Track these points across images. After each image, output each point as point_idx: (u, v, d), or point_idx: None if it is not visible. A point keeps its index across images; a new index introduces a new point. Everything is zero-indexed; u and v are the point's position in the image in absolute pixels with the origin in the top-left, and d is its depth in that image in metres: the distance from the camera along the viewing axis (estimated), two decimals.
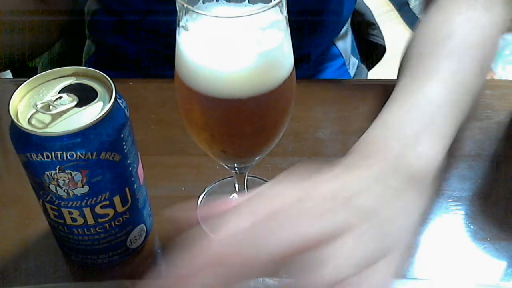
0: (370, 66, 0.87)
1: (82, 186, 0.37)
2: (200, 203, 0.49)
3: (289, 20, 0.37)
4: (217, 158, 0.43)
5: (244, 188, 0.47)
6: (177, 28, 0.36)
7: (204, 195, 0.49)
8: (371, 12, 0.86)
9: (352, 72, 0.81)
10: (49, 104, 0.36)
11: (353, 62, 0.82)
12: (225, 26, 0.35)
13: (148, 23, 0.70)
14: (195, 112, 0.40)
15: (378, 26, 0.86)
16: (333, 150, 0.53)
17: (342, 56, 0.77)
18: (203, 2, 0.37)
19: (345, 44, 0.78)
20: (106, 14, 0.73)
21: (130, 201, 0.40)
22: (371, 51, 0.86)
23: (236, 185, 0.47)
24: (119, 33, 0.73)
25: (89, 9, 0.76)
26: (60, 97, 0.37)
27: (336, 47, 0.76)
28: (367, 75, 0.85)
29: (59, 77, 0.39)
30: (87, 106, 0.36)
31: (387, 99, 0.60)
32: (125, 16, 0.71)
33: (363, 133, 0.52)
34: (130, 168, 0.39)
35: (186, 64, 0.36)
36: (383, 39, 0.85)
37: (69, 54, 0.85)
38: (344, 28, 0.77)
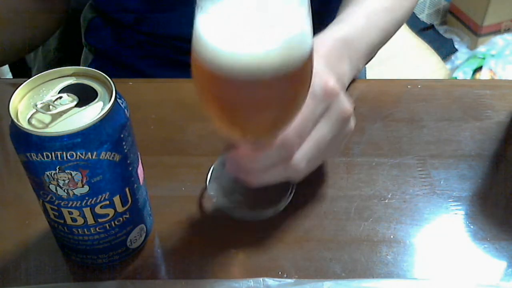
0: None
1: (82, 186, 0.37)
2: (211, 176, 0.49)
3: None
4: (236, 137, 0.43)
5: None
6: (196, 12, 0.36)
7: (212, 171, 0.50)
8: None
9: None
10: (49, 104, 0.36)
11: None
12: (245, 7, 0.35)
13: (145, 26, 0.70)
14: (217, 95, 0.39)
15: None
16: None
17: None
18: None
19: None
20: (102, 21, 0.73)
21: (130, 201, 0.40)
22: None
23: None
24: (117, 40, 0.73)
25: (85, 18, 0.76)
26: (60, 97, 0.37)
27: None
28: (365, 71, 0.85)
29: (59, 77, 0.39)
30: (87, 106, 0.36)
31: (387, 99, 0.60)
32: (122, 21, 0.71)
33: (363, 133, 0.53)
34: (130, 168, 0.39)
35: (206, 47, 0.36)
36: None
37: (65, 62, 0.85)
38: None
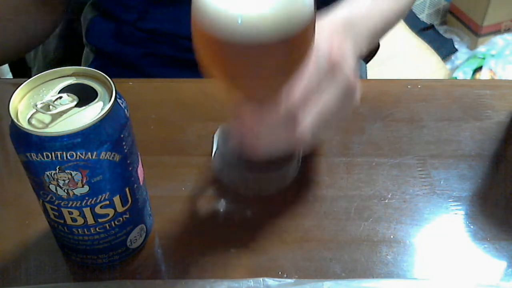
0: (366, 60, 0.88)
1: (82, 186, 0.37)
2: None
3: None
4: (238, 100, 0.43)
5: None
6: None
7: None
8: None
9: None
10: (49, 104, 0.36)
11: None
12: None
13: (147, 23, 0.70)
14: (218, 59, 0.39)
15: None
16: (333, 150, 0.53)
17: None
18: None
19: None
20: (103, 20, 0.73)
21: (130, 201, 0.40)
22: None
23: None
24: (118, 38, 0.72)
25: (85, 18, 0.76)
26: (60, 97, 0.37)
27: None
28: (366, 69, 0.85)
29: (59, 77, 0.39)
30: (87, 106, 0.36)
31: (387, 99, 0.60)
32: (124, 19, 0.71)
33: (363, 133, 0.53)
34: (130, 168, 0.39)
35: (205, 10, 0.36)
36: None
37: (65, 62, 0.85)
38: None
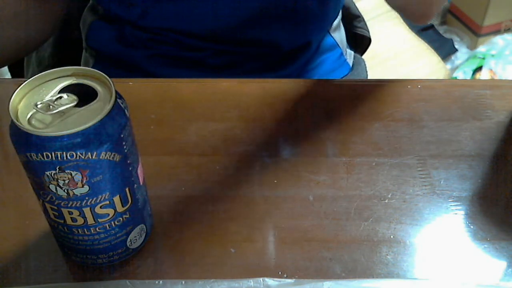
0: (360, 53, 0.88)
1: (82, 186, 0.37)
2: None
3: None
4: None
5: None
6: None
7: None
8: (355, 5, 0.87)
9: (350, 62, 0.81)
10: (49, 104, 0.36)
11: (350, 53, 0.83)
12: None
13: (150, 21, 0.69)
14: None
15: (363, 18, 0.87)
16: (333, 150, 0.54)
17: (339, 47, 0.78)
18: None
19: (340, 35, 0.79)
20: (104, 23, 0.73)
21: (130, 201, 0.40)
22: (358, 43, 0.87)
23: None
24: (119, 40, 0.72)
25: (84, 22, 0.75)
26: (60, 97, 0.37)
27: (333, 37, 0.77)
28: (366, 67, 0.86)
29: (59, 77, 0.39)
30: (87, 106, 0.36)
31: (387, 99, 0.60)
32: (126, 18, 0.70)
33: (363, 133, 0.53)
34: (130, 168, 0.39)
35: None
36: (368, 31, 0.86)
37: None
38: (337, 20, 0.78)
